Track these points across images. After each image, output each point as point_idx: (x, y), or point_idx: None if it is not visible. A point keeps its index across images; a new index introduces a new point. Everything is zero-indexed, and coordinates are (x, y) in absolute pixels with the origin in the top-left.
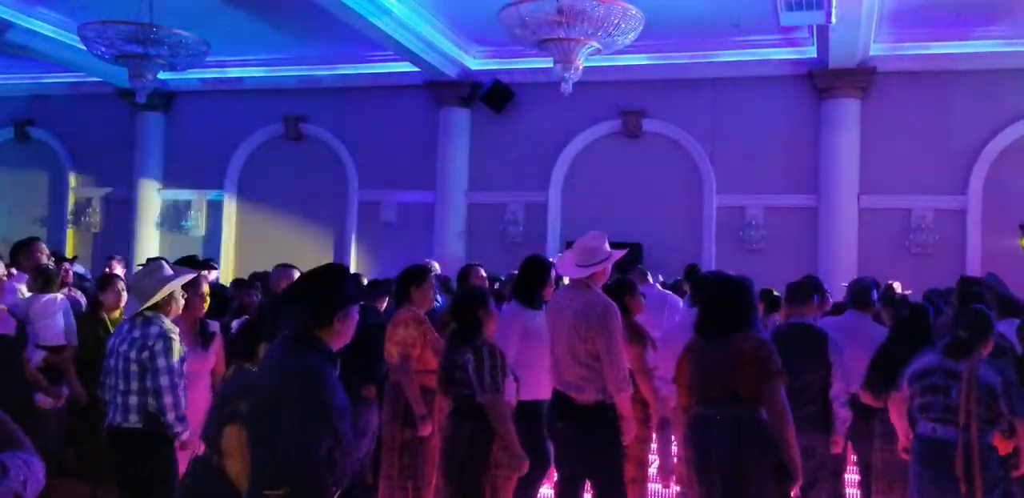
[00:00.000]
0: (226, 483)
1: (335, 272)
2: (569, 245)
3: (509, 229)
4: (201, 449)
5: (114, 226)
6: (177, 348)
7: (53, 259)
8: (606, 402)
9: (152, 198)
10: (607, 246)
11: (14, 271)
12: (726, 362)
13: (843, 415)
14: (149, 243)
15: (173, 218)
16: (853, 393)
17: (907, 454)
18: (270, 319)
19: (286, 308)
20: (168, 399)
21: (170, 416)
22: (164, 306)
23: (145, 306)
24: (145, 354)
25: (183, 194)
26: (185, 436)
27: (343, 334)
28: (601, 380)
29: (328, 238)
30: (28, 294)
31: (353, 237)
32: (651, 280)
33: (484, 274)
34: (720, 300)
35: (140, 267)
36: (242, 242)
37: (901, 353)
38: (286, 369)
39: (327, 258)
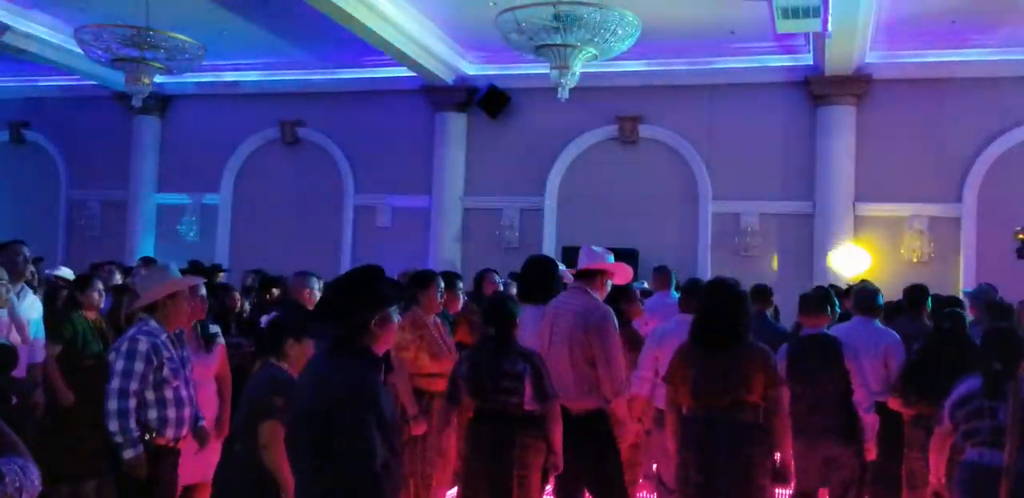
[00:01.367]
0: (257, 477)
1: (367, 276)
2: (565, 250)
3: (505, 234)
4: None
5: (109, 229)
6: (142, 349)
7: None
8: (601, 410)
9: (147, 202)
10: (610, 260)
11: None
12: (732, 372)
13: (870, 420)
14: (144, 247)
15: (168, 222)
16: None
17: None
18: (294, 319)
19: (324, 316)
20: (112, 404)
21: (111, 425)
22: (163, 309)
23: (139, 305)
24: (111, 354)
25: (178, 198)
26: (127, 455)
27: (384, 338)
28: (596, 386)
29: (323, 242)
30: None
31: (348, 242)
32: (673, 287)
33: (498, 280)
34: (724, 312)
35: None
36: (237, 246)
37: (935, 361)
38: (334, 380)
39: (322, 263)
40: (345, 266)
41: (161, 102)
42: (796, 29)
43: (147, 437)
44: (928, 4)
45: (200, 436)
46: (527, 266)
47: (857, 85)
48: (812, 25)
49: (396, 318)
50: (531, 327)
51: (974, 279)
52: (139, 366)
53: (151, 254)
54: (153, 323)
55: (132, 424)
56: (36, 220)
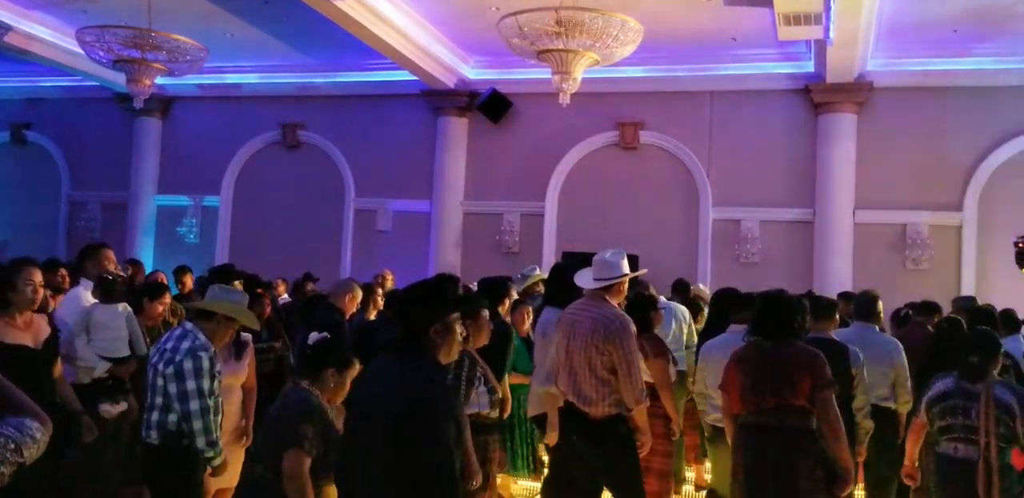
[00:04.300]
0: None
1: (432, 284)
2: (564, 256)
3: (505, 239)
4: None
5: (109, 231)
6: (207, 366)
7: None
8: (621, 415)
9: (147, 203)
10: (626, 264)
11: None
12: (780, 373)
13: (866, 426)
14: (143, 249)
15: (168, 224)
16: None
17: (909, 480)
18: (341, 343)
19: (393, 322)
20: (198, 424)
21: (200, 441)
22: (216, 325)
23: (199, 306)
24: (170, 369)
25: (178, 200)
26: (217, 462)
27: (445, 346)
28: (616, 393)
29: (323, 246)
30: (91, 302)
31: (348, 245)
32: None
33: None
34: (784, 304)
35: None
36: (236, 249)
37: (934, 370)
38: (408, 383)
39: (322, 266)
40: (345, 270)
41: (162, 104)
42: (798, 36)
43: (186, 443)
44: (930, 13)
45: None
46: (553, 272)
47: (858, 93)
48: (814, 32)
49: (459, 328)
50: (540, 327)
51: (974, 287)
52: (207, 383)
53: (151, 256)
54: (203, 337)
55: (216, 436)
56: (37, 221)
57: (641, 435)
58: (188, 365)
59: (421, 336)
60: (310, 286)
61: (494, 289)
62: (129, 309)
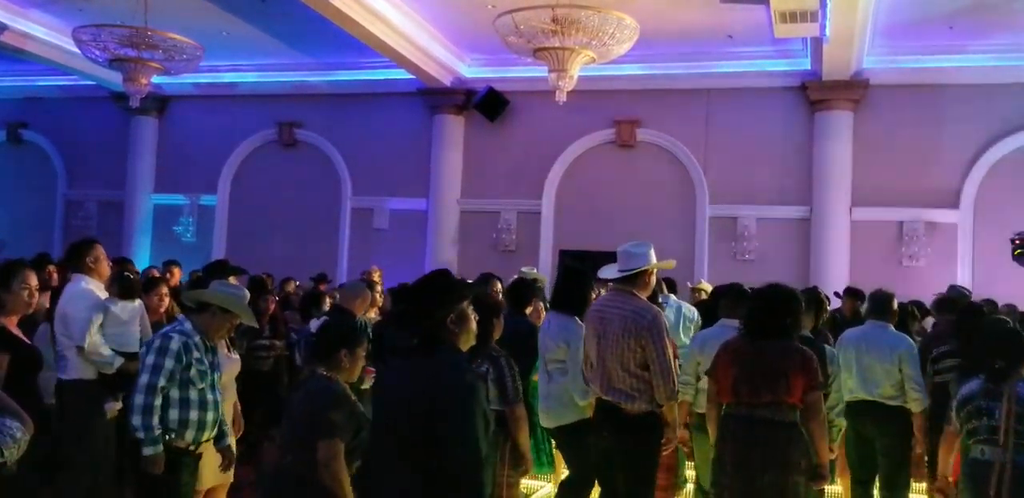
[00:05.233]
0: (304, 489)
1: (434, 278)
2: (562, 253)
3: (502, 237)
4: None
5: (105, 230)
6: (174, 347)
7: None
8: (655, 411)
9: (144, 202)
10: (652, 255)
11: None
12: (775, 373)
13: (839, 424)
14: (140, 247)
15: (164, 222)
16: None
17: (940, 494)
18: (350, 327)
19: (404, 322)
20: (138, 399)
21: (135, 419)
22: (210, 318)
23: (194, 299)
24: (142, 349)
25: (175, 198)
26: (147, 452)
27: (464, 335)
28: (651, 389)
29: (320, 244)
30: (105, 297)
31: (345, 243)
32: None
33: (500, 288)
34: (778, 303)
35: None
36: (233, 247)
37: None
38: (440, 376)
39: (319, 265)
40: (342, 268)
41: (159, 103)
42: (794, 34)
43: (166, 438)
44: (926, 10)
45: (224, 454)
46: (561, 275)
47: (855, 90)
48: (810, 30)
49: (472, 314)
50: (556, 334)
51: (970, 284)
52: (169, 363)
53: (147, 255)
54: (189, 325)
55: (155, 421)
56: (33, 220)
57: (670, 431)
58: (156, 343)
59: (439, 329)
60: (292, 285)
61: (521, 291)
62: (143, 306)
